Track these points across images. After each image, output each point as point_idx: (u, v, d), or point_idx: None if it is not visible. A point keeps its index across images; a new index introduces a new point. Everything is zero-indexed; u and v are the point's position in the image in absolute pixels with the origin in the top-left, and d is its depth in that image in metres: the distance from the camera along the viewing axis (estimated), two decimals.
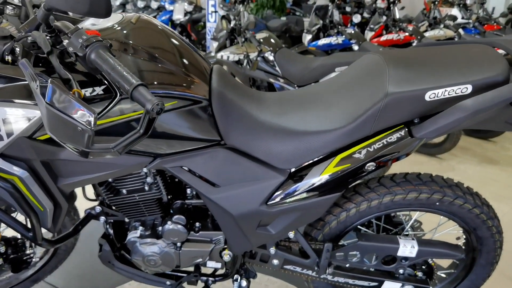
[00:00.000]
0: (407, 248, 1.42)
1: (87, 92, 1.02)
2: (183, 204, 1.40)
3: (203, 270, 1.58)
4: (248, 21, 3.48)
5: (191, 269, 1.55)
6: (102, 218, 1.46)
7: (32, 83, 0.87)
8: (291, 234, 1.39)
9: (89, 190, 2.51)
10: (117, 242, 1.50)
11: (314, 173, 1.22)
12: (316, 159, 1.23)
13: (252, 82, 3.78)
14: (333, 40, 4.24)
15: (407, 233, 1.56)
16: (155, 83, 1.07)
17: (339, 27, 4.29)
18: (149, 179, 1.31)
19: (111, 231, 1.48)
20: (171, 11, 8.29)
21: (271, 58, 3.44)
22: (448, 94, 1.12)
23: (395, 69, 1.17)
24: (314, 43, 4.41)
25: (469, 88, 1.11)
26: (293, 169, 1.25)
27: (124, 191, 1.33)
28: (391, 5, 5.02)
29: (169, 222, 1.35)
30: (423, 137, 1.15)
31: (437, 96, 1.12)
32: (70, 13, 1.27)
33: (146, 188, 1.32)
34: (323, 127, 1.20)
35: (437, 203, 1.39)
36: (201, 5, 9.90)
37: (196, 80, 1.15)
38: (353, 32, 4.23)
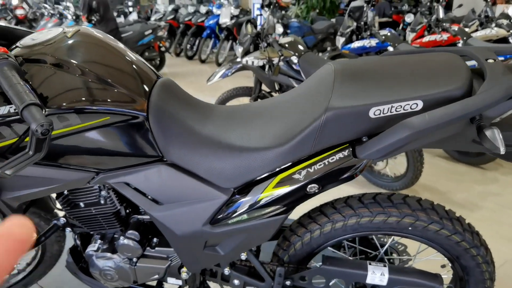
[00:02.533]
0: (377, 276, 1.30)
1: (12, 108, 1.02)
2: (139, 219, 1.37)
3: (167, 286, 1.54)
4: (269, 25, 3.40)
5: (155, 283, 1.52)
6: (68, 229, 1.47)
7: None
8: (243, 256, 1.32)
9: None
10: (84, 254, 1.50)
11: (254, 193, 1.13)
12: (258, 178, 1.15)
13: (278, 87, 3.71)
14: (366, 42, 4.05)
15: (382, 257, 1.42)
16: (85, 98, 1.04)
17: (372, 29, 4.09)
18: (103, 193, 1.29)
19: (78, 243, 1.49)
20: (219, 15, 8.40)
21: (295, 62, 3.36)
22: (396, 111, 0.99)
23: (341, 81, 1.06)
24: (347, 46, 4.24)
25: (419, 104, 0.98)
26: (236, 188, 1.17)
27: (81, 204, 1.32)
28: (435, 3, 4.71)
29: (122, 237, 1.33)
30: (367, 157, 1.03)
31: (382, 113, 1.00)
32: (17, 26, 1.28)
33: (102, 201, 1.31)
34: (263, 144, 1.11)
35: (410, 228, 1.25)
36: (247, 8, 9.94)
37: (132, 94, 1.11)
38: (388, 34, 4.01)
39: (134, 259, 1.37)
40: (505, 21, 4.91)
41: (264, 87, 3.75)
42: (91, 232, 1.44)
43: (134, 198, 1.20)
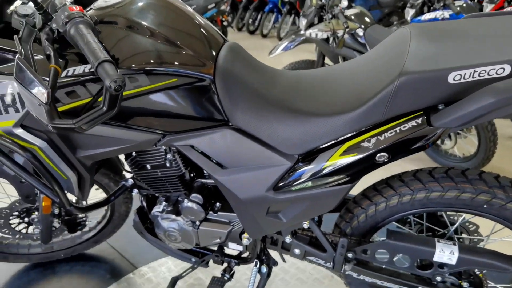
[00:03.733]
0: (445, 254, 1.23)
1: (87, 68, 1.05)
2: (203, 183, 1.40)
3: (228, 251, 1.56)
4: None
5: (216, 248, 1.55)
6: (135, 191, 1.52)
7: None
8: (305, 224, 1.30)
9: None
10: (150, 215, 1.56)
11: (320, 161, 1.11)
12: (324, 145, 1.12)
13: (342, 61, 3.60)
14: (438, 14, 3.80)
15: (452, 236, 1.35)
16: (153, 60, 1.06)
17: None
18: (169, 156, 1.32)
19: (144, 204, 1.54)
20: None
21: (361, 34, 3.23)
22: (479, 76, 0.91)
23: (417, 44, 0.99)
24: (417, 18, 4.01)
25: (506, 69, 0.89)
26: (300, 155, 1.15)
27: (148, 166, 1.36)
28: None
29: (186, 200, 1.36)
30: (443, 126, 0.96)
31: (463, 78, 0.92)
32: None
33: (167, 164, 1.34)
34: (331, 110, 1.08)
35: (485, 206, 1.17)
36: None
37: (200, 56, 1.11)
38: (464, 4, 3.74)
39: (197, 222, 1.40)
40: None
41: (327, 60, 3.65)
42: (157, 194, 1.48)
43: (199, 161, 1.22)
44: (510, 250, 1.30)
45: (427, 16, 3.94)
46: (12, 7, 1.17)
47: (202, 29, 1.18)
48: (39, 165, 1.22)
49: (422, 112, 1.01)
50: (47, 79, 0.89)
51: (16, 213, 1.73)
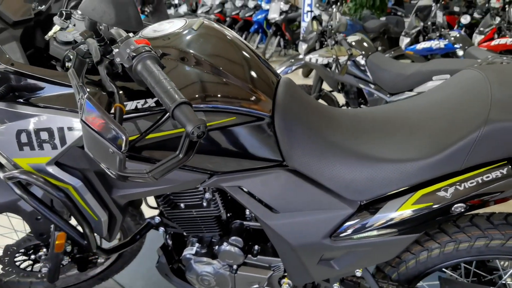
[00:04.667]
0: None
1: (139, 103, 0.96)
2: (242, 224, 1.30)
3: None
4: (340, 23, 3.28)
5: None
6: (161, 229, 1.41)
7: (76, 95, 0.82)
8: (358, 272, 1.22)
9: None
10: (176, 255, 1.44)
11: (389, 209, 1.04)
12: (392, 192, 1.05)
13: (341, 87, 3.59)
14: (434, 44, 3.87)
15: (504, 282, 1.30)
16: (212, 96, 0.97)
17: (442, 29, 3.90)
18: (207, 195, 1.22)
19: (170, 243, 1.43)
20: (267, 10, 8.30)
21: (362, 62, 3.23)
22: None
23: (500, 89, 0.95)
24: (412, 47, 4.07)
25: None
26: (364, 202, 1.08)
27: (182, 205, 1.26)
28: (507, 5, 4.46)
29: (225, 243, 1.26)
30: None
31: None
32: None
33: (204, 204, 1.24)
34: (404, 156, 1.01)
35: None
36: (297, 4, 9.79)
37: (258, 94, 1.03)
38: (458, 35, 3.82)
39: (235, 266, 1.30)
40: None
41: (324, 85, 3.63)
42: (185, 234, 1.38)
43: (247, 204, 1.13)
44: None
45: (422, 45, 4.01)
46: (50, 33, 1.07)
47: (259, 64, 1.10)
48: (71, 205, 1.10)
49: (506, 162, 0.96)
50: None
51: (23, 250, 1.58)
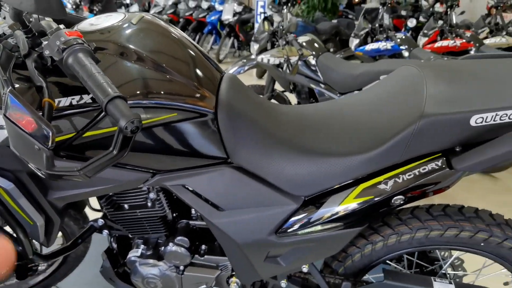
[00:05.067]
0: None
1: (74, 100, 0.91)
2: (188, 224, 1.28)
3: None
4: (290, 23, 3.31)
5: None
6: (105, 232, 1.36)
7: (1, 90, 0.77)
8: (305, 268, 1.23)
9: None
10: (121, 258, 1.39)
11: (332, 203, 1.05)
12: (335, 187, 1.06)
13: (293, 87, 3.62)
14: (381, 45, 3.98)
15: (444, 272, 1.35)
16: (152, 92, 0.94)
17: (389, 31, 4.03)
18: (152, 195, 1.19)
19: (114, 246, 1.38)
20: (221, 11, 8.27)
21: (313, 62, 3.27)
22: (500, 120, 0.91)
23: (435, 85, 0.98)
24: (361, 48, 4.17)
25: None
26: (308, 197, 1.08)
27: (126, 206, 1.22)
28: (449, 9, 4.68)
29: (171, 244, 1.23)
30: (466, 170, 0.95)
31: (485, 121, 0.92)
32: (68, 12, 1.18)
33: (149, 204, 1.20)
34: (345, 150, 1.03)
35: (482, 244, 1.18)
36: (251, 5, 9.82)
37: (201, 89, 1.01)
38: (403, 37, 3.95)
39: (181, 267, 1.27)
40: None
41: (277, 85, 3.65)
42: (131, 236, 1.33)
43: (192, 202, 1.10)
44: (500, 285, 1.32)
45: (371, 46, 4.11)
46: None
47: (202, 60, 1.08)
48: (2, 209, 1.03)
49: (440, 154, 0.99)
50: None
51: None
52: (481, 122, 0.92)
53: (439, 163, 0.98)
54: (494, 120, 0.91)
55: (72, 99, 0.91)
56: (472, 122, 0.92)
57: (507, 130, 0.91)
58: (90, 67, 0.76)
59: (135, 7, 8.95)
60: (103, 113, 0.92)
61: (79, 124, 0.93)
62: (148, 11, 10.16)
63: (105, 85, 0.74)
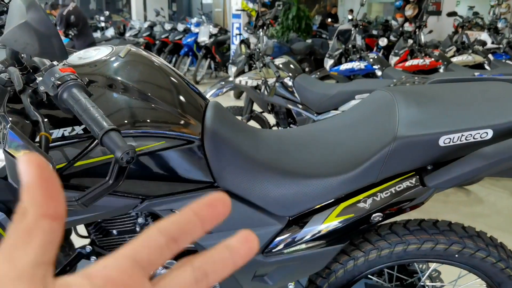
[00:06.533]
0: None
1: (66, 131, 0.95)
2: None
3: None
4: (267, 46, 3.41)
5: None
6: (93, 258, 1.37)
7: None
8: (291, 286, 1.27)
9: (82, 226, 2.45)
10: None
11: (315, 222, 1.10)
12: (317, 206, 1.12)
13: (271, 108, 3.70)
14: (355, 65, 4.13)
15: (423, 284, 1.41)
16: (141, 122, 0.99)
17: (362, 52, 4.19)
18: (140, 220, 1.22)
19: None
20: (197, 33, 8.38)
21: (290, 83, 3.36)
22: (466, 140, 0.99)
23: (406, 109, 1.06)
24: (336, 68, 4.31)
25: (489, 133, 0.99)
26: (292, 217, 1.14)
27: (115, 231, 1.25)
28: (417, 29, 4.89)
29: (159, 267, 1.26)
30: (437, 186, 1.03)
31: (452, 141, 1.00)
32: None
33: (138, 229, 1.23)
34: (325, 172, 1.09)
35: (456, 255, 1.25)
36: (226, 27, 9.98)
37: (187, 117, 1.07)
38: (376, 57, 4.11)
39: None
40: (480, 48, 5.14)
41: (255, 107, 3.73)
42: None
43: None
44: None
45: (345, 66, 4.25)
46: None
47: (187, 89, 1.14)
48: None
49: (414, 172, 1.07)
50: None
51: None
52: (449, 142, 1.00)
53: (413, 181, 1.06)
54: (460, 140, 0.99)
55: (64, 130, 0.95)
56: (441, 142, 1.00)
57: (473, 149, 0.99)
58: (85, 102, 0.81)
59: (111, 31, 8.99)
60: (94, 143, 0.96)
61: (71, 154, 0.97)
62: (123, 34, 10.20)
63: (99, 118, 0.79)
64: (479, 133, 0.99)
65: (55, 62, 0.87)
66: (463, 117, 1.01)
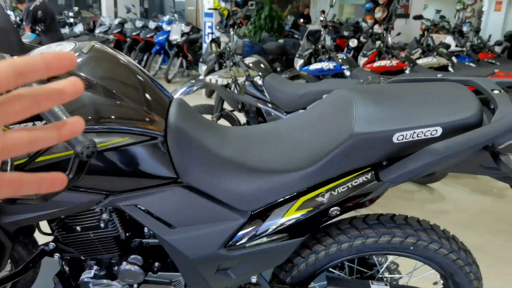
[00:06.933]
0: None
1: (28, 125, 0.95)
2: (141, 242, 1.32)
3: None
4: (237, 45, 3.44)
5: None
6: (57, 255, 1.37)
7: None
8: (253, 279, 1.31)
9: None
10: (73, 281, 1.41)
11: (275, 216, 1.14)
12: (278, 201, 1.16)
13: (241, 107, 3.72)
14: (324, 65, 4.20)
15: (381, 276, 1.47)
16: (104, 118, 1.00)
17: (331, 52, 4.27)
18: (104, 216, 1.23)
19: (66, 269, 1.39)
20: (168, 32, 8.32)
21: (259, 82, 3.39)
22: (417, 136, 1.05)
23: (363, 107, 1.10)
24: (305, 68, 4.38)
25: (439, 131, 1.04)
26: (254, 211, 1.17)
27: (78, 228, 1.25)
28: (385, 31, 5.01)
29: (124, 263, 1.27)
30: (391, 181, 1.08)
31: (405, 138, 1.05)
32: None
33: (102, 225, 1.24)
34: (286, 167, 1.13)
35: (411, 248, 1.31)
36: (198, 26, 9.95)
37: (151, 114, 1.08)
38: (344, 57, 4.19)
39: (135, 285, 1.31)
40: (444, 50, 5.31)
41: (226, 105, 3.75)
42: (83, 257, 1.36)
43: (145, 222, 1.16)
44: (427, 285, 1.46)
45: (314, 66, 4.32)
46: None
47: (151, 86, 1.15)
48: None
49: (370, 168, 1.11)
50: None
51: None
52: (402, 139, 1.05)
53: (369, 176, 1.11)
54: (412, 137, 1.05)
55: (25, 125, 0.95)
56: (395, 139, 1.05)
57: (424, 145, 1.04)
58: None
59: (80, 27, 8.81)
60: None
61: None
62: (93, 30, 10.01)
63: (59, 113, 0.80)
64: (429, 130, 1.04)
65: (15, 57, 0.87)
66: (416, 115, 1.06)
